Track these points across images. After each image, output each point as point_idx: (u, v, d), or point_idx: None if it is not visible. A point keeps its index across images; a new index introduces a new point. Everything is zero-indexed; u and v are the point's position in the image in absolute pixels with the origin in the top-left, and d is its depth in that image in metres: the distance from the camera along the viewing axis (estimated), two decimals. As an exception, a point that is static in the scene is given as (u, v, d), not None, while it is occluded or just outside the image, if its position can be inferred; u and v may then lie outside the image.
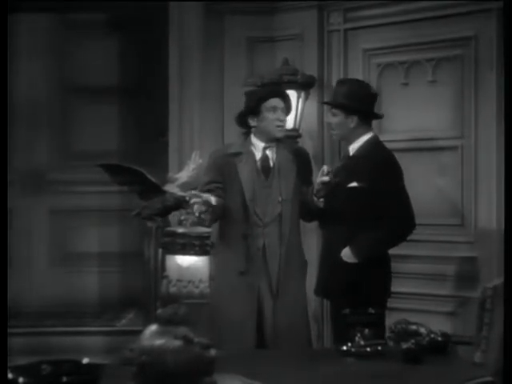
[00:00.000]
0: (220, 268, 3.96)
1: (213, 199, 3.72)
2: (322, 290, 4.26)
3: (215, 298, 3.71)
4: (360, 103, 4.06)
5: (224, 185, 4.04)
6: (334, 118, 4.12)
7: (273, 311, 3.99)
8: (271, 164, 4.07)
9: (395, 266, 4.17)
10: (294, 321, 4.01)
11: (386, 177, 3.98)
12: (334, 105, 4.13)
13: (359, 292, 3.87)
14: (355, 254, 3.95)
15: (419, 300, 4.78)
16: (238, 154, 4.07)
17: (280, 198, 4.02)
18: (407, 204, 4.03)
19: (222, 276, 3.95)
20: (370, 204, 3.97)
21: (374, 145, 4.11)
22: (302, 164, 4.14)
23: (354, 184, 4.00)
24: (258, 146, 4.08)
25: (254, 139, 4.09)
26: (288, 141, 4.37)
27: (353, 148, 4.11)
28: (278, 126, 4.04)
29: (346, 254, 3.97)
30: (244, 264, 3.99)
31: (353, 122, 4.06)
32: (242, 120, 4.12)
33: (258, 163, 4.07)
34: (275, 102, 4.04)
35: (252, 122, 4.07)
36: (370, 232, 3.96)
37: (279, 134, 4.06)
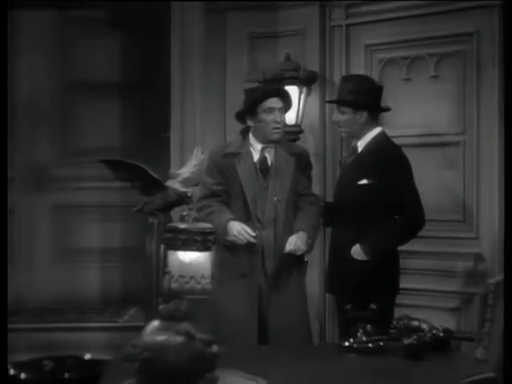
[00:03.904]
0: (222, 268, 3.97)
1: None
2: (331, 287, 4.26)
3: (218, 298, 3.74)
4: (368, 97, 4.05)
5: (225, 186, 4.05)
6: (343, 116, 4.10)
7: (272, 311, 4.00)
8: (269, 164, 4.07)
9: (397, 262, 4.18)
10: (293, 319, 4.01)
11: (395, 173, 3.98)
12: (342, 102, 4.10)
13: (368, 289, 3.86)
14: (365, 251, 3.95)
15: (421, 296, 4.78)
16: (236, 155, 4.06)
17: (275, 198, 4.01)
18: (417, 200, 4.02)
19: (224, 276, 3.97)
20: (380, 201, 3.96)
21: (383, 141, 4.10)
22: (301, 164, 4.13)
23: (364, 181, 3.99)
24: (256, 147, 4.08)
25: (252, 139, 4.08)
26: (287, 141, 4.34)
27: (361, 144, 4.10)
28: (275, 128, 4.01)
29: (357, 251, 3.96)
30: (246, 265, 4.00)
31: (362, 117, 4.06)
32: (241, 118, 4.12)
33: (257, 164, 4.07)
34: (272, 102, 4.01)
35: (249, 122, 4.07)
36: (380, 229, 3.95)
37: (275, 137, 4.04)
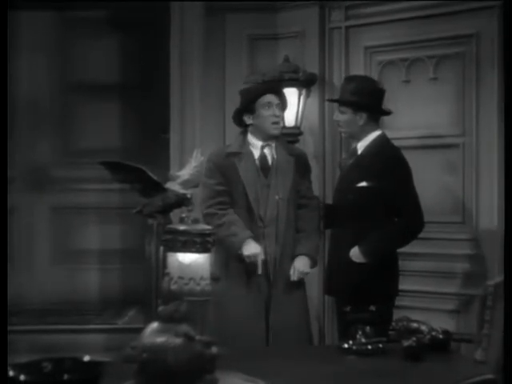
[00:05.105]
0: (226, 269, 3.97)
1: None
2: (330, 289, 4.26)
3: (222, 298, 3.74)
4: (369, 99, 4.05)
5: (227, 186, 4.04)
6: (343, 116, 4.10)
7: (273, 311, 3.99)
8: (270, 163, 4.07)
9: (396, 263, 4.18)
10: (294, 320, 4.01)
11: (395, 176, 3.98)
12: (343, 102, 4.10)
13: (368, 291, 3.86)
14: (364, 253, 3.95)
15: (420, 298, 4.78)
16: (236, 155, 4.06)
17: (277, 197, 4.01)
18: (416, 203, 4.02)
19: (228, 277, 3.96)
20: (379, 203, 3.96)
21: (383, 143, 4.10)
22: (300, 165, 4.14)
23: (363, 183, 3.99)
24: (255, 145, 4.08)
25: (251, 138, 4.08)
26: (286, 142, 4.35)
27: (361, 146, 4.10)
28: (274, 123, 4.03)
29: (355, 253, 3.96)
30: (249, 265, 3.99)
31: (361, 118, 4.06)
32: (239, 118, 4.12)
33: (257, 162, 4.06)
34: (270, 97, 4.03)
35: (248, 120, 4.06)
36: (379, 231, 3.95)
37: (275, 132, 4.05)
